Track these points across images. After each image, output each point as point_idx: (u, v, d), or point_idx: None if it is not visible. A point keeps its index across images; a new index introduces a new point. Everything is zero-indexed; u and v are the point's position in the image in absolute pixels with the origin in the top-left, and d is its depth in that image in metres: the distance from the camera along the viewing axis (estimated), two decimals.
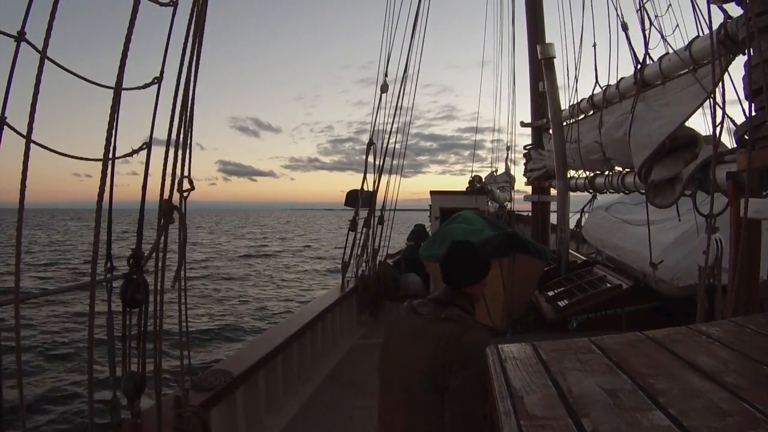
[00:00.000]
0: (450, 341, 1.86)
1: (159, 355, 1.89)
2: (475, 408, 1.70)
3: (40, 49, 1.55)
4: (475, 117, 16.95)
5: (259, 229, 69.46)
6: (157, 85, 2.03)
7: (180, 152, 1.86)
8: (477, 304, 2.15)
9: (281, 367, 3.87)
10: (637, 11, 3.59)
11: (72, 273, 20.90)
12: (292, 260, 27.71)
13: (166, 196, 1.85)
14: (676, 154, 3.05)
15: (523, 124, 7.47)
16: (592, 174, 4.83)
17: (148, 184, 2.18)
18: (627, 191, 4.16)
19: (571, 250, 5.79)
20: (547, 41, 6.37)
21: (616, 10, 4.29)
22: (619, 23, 4.19)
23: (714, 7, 2.52)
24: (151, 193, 2.16)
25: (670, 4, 4.04)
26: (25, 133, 1.51)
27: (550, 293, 4.24)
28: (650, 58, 3.57)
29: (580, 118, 5.06)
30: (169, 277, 1.89)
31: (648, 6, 3.56)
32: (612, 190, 4.47)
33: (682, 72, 3.25)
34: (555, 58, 5.40)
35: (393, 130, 7.29)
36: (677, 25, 3.91)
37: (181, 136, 1.86)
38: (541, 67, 5.49)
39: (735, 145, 2.51)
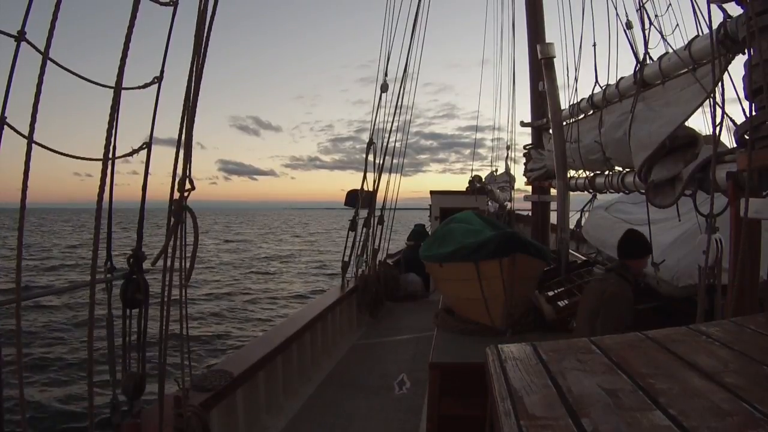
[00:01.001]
0: (599, 295, 3.04)
1: (164, 355, 1.88)
2: (610, 331, 2.73)
3: (40, 48, 1.55)
4: (476, 116, 16.89)
5: (253, 231, 66.39)
6: (156, 85, 2.03)
7: (182, 151, 1.86)
8: (638, 275, 3.38)
9: (281, 368, 3.87)
10: (637, 11, 3.59)
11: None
12: (277, 276, 22.33)
13: (171, 195, 1.85)
14: (676, 154, 3.05)
15: (522, 124, 7.46)
16: (592, 174, 4.83)
17: (147, 184, 2.18)
18: (627, 191, 4.16)
19: (571, 250, 5.78)
20: (547, 41, 6.37)
21: (616, 9, 4.30)
22: (622, 22, 4.19)
23: (714, 7, 2.52)
24: (150, 192, 2.16)
25: (670, 4, 4.04)
26: (25, 133, 1.51)
27: (550, 293, 4.23)
28: (650, 57, 3.57)
29: (579, 117, 5.06)
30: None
31: (648, 6, 3.57)
32: (612, 190, 4.46)
33: (682, 71, 3.25)
34: (555, 57, 5.39)
35: (393, 128, 7.30)
36: (677, 24, 3.90)
37: (183, 135, 1.86)
38: (541, 66, 5.49)
39: (735, 145, 2.51)
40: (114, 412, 2.23)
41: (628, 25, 4.02)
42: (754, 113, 2.19)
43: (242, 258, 29.54)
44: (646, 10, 3.48)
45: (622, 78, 4.09)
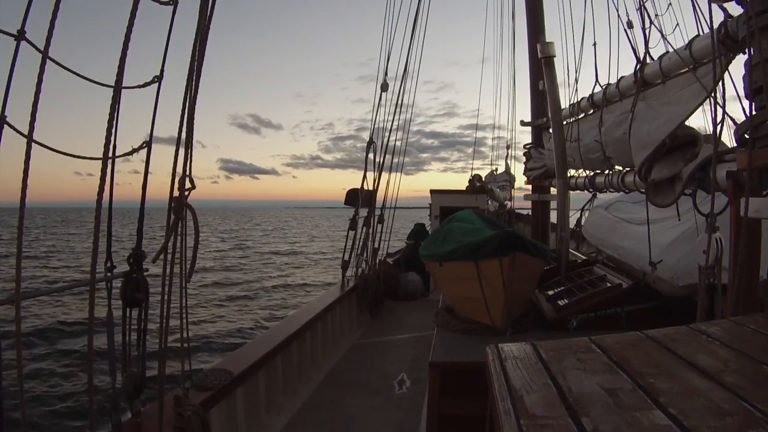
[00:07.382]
0: None
1: (163, 354, 1.89)
2: None
3: (40, 48, 1.55)
4: (476, 114, 16.90)
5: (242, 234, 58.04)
6: (156, 84, 2.03)
7: (182, 150, 1.86)
8: None
9: (281, 367, 3.87)
10: (637, 10, 3.59)
11: None
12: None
13: (174, 193, 1.85)
14: (676, 153, 3.05)
15: (522, 123, 7.46)
16: (592, 173, 4.83)
17: (147, 183, 2.18)
18: (627, 190, 4.15)
19: (570, 249, 5.78)
20: (547, 40, 6.36)
21: (617, 9, 4.29)
22: (623, 22, 4.19)
23: (714, 6, 2.52)
24: (151, 192, 2.16)
25: (670, 3, 4.03)
26: (25, 132, 1.51)
27: (550, 292, 4.23)
28: (650, 57, 3.57)
29: (580, 117, 5.05)
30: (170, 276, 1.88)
31: (648, 5, 3.56)
32: (612, 189, 4.46)
33: (683, 71, 3.25)
34: (555, 56, 5.39)
35: (393, 127, 7.30)
36: (677, 24, 3.90)
37: (183, 134, 1.86)
38: (541, 65, 5.48)
39: (735, 144, 2.50)
40: (114, 412, 2.23)
41: (629, 25, 4.02)
42: (754, 112, 2.19)
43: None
44: (646, 10, 3.48)
45: (622, 77, 4.09)
